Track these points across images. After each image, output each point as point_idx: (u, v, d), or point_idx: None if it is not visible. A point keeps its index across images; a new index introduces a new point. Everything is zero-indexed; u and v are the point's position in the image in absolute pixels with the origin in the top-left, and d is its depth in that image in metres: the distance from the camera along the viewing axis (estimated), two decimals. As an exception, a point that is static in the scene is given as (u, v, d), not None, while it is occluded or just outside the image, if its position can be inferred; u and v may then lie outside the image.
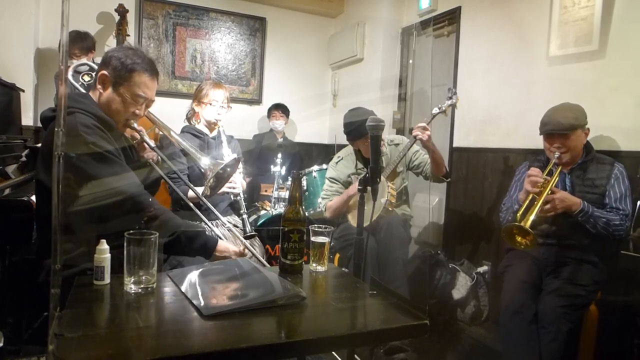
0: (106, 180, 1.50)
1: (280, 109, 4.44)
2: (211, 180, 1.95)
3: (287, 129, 4.68)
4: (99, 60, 3.70)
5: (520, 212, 2.06)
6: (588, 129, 2.20)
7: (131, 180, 1.59)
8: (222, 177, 2.06)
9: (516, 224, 2.01)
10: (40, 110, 3.77)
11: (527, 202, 2.08)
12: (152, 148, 1.81)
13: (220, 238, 1.92)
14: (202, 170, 1.99)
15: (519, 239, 2.05)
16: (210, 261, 1.74)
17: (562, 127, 2.13)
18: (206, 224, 2.02)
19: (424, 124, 2.51)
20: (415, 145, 2.74)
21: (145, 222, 1.63)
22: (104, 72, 1.64)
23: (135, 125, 1.74)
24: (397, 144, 2.86)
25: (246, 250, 1.90)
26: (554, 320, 1.94)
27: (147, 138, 1.80)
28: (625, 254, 2.05)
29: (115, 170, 1.54)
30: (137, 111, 1.70)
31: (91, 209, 1.45)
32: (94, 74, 2.17)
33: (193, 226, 1.78)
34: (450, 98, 2.60)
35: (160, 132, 2.01)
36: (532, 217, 1.99)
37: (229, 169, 2.06)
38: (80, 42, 3.40)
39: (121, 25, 3.79)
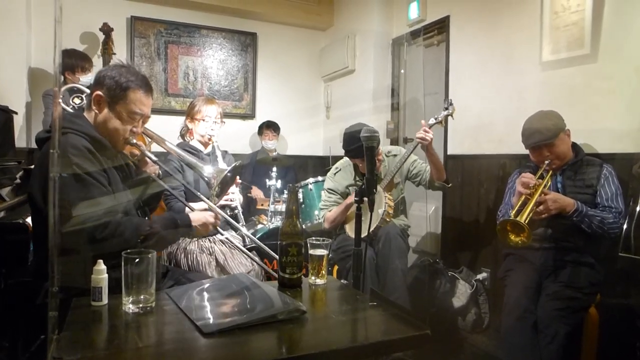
0: (83, 203, 1.46)
1: (271, 127, 4.42)
2: (217, 188, 1.96)
3: (280, 144, 4.68)
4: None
5: (514, 212, 2.07)
6: (569, 130, 2.22)
7: (110, 204, 1.54)
8: (226, 183, 2.08)
9: (510, 219, 2.01)
10: (33, 132, 3.79)
11: (520, 203, 2.09)
12: (154, 162, 1.81)
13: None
14: (206, 179, 1.99)
15: (512, 236, 2.05)
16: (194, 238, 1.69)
17: (545, 137, 2.15)
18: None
19: (426, 127, 2.53)
20: (413, 155, 2.75)
21: (141, 242, 1.61)
22: (99, 92, 1.63)
23: (135, 141, 1.73)
24: (394, 155, 2.87)
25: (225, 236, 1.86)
26: (551, 324, 1.94)
27: (147, 152, 1.80)
28: (622, 256, 2.05)
29: (92, 194, 1.50)
30: (134, 128, 1.70)
31: (75, 230, 1.42)
32: (83, 96, 2.17)
33: (162, 219, 1.71)
34: (447, 109, 2.61)
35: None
36: (525, 215, 1.99)
37: (230, 175, 2.07)
38: (85, 58, 3.49)
39: (107, 44, 3.80)
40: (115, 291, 1.26)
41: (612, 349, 2.07)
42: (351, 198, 2.66)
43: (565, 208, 2.04)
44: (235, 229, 2.42)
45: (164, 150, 2.06)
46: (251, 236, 2.42)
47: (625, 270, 2.06)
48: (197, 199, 2.18)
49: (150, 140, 2.07)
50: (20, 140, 3.64)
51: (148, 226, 1.60)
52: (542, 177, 2.16)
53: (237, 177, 2.35)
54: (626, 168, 2.24)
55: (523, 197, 2.09)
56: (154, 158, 1.80)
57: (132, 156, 1.84)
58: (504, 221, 2.06)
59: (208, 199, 2.25)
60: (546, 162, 2.17)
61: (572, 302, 1.99)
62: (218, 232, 1.97)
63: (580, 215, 2.03)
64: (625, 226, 1.95)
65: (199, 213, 1.81)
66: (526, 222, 1.96)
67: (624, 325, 2.03)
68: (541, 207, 2.04)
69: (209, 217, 1.80)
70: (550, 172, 2.19)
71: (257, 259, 2.48)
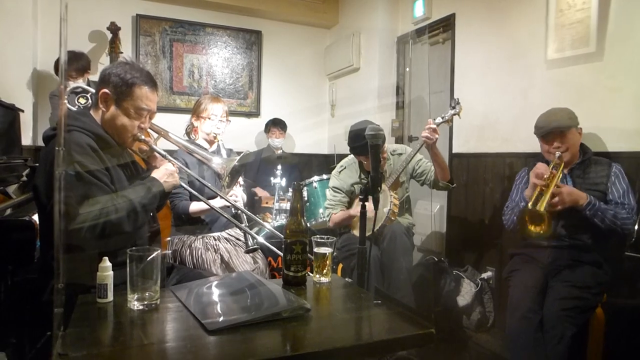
0: (81, 201, 1.46)
1: (278, 125, 4.43)
2: (227, 178, 1.98)
3: (287, 142, 4.69)
4: (93, 78, 3.74)
5: (531, 202, 2.03)
6: (581, 129, 2.22)
7: (111, 202, 1.53)
8: (236, 173, 2.08)
9: (530, 207, 1.99)
10: (39, 130, 3.82)
11: (536, 194, 2.06)
12: (163, 156, 1.81)
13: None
14: (216, 171, 2.00)
15: (532, 227, 2.02)
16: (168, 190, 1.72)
17: (559, 124, 2.16)
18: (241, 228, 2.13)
19: (434, 126, 2.52)
20: (418, 154, 2.74)
21: (149, 238, 1.62)
22: (105, 90, 1.64)
23: (142, 136, 1.74)
24: (400, 154, 2.86)
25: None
26: (558, 324, 1.93)
27: (156, 147, 1.80)
28: (629, 256, 2.04)
29: (92, 192, 1.50)
30: (142, 124, 1.71)
31: (75, 227, 1.42)
32: (89, 96, 2.18)
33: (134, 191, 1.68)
34: (454, 108, 2.60)
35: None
36: (544, 203, 1.96)
37: (239, 164, 2.07)
38: (76, 62, 3.41)
39: (114, 43, 3.80)
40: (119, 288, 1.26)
41: (618, 348, 2.06)
42: (357, 210, 2.66)
43: (578, 201, 2.03)
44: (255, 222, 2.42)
45: (169, 149, 2.06)
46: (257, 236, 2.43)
47: (631, 270, 2.05)
48: (205, 195, 2.19)
49: (157, 136, 2.08)
50: (27, 138, 3.66)
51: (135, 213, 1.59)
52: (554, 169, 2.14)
53: (241, 178, 2.35)
54: (634, 166, 2.23)
55: (538, 188, 2.07)
56: (163, 152, 1.80)
57: (141, 152, 1.84)
58: (523, 210, 2.03)
59: (213, 198, 2.26)
60: (557, 154, 2.15)
61: (579, 302, 1.98)
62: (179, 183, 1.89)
63: (594, 208, 2.02)
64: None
65: (158, 170, 1.77)
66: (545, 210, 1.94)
67: (630, 325, 2.02)
68: (556, 199, 2.02)
69: (168, 167, 1.78)
70: (562, 165, 2.17)
71: (260, 255, 2.49)
